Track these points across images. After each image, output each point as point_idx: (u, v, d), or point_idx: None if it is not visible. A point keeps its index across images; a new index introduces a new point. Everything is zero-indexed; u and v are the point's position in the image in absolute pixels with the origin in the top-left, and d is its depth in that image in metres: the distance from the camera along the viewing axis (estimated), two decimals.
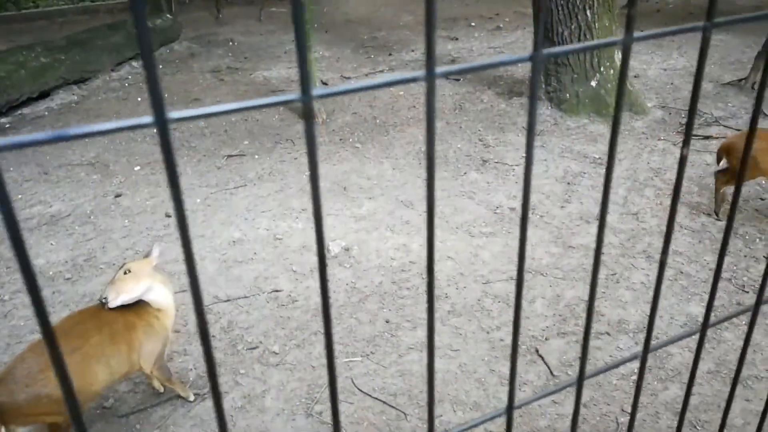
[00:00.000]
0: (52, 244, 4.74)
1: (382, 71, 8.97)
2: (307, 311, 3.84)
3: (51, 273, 4.38)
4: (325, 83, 8.25)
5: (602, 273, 4.08)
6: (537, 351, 3.47)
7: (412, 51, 9.66)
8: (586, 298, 3.86)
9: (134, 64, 9.54)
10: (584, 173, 5.31)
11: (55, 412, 2.65)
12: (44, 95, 8.01)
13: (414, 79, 0.63)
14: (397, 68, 9.04)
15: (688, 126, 0.83)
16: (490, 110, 6.85)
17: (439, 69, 0.66)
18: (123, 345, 2.87)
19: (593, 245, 4.34)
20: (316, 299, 3.92)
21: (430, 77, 0.61)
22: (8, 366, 2.68)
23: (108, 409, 3.27)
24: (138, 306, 2.94)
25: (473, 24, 11.14)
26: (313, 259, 4.32)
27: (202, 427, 3.13)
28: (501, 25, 10.98)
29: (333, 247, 4.38)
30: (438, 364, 3.43)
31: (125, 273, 2.87)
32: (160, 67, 9.52)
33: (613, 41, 0.72)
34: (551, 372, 3.33)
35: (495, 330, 3.62)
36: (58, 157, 6.26)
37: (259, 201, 5.17)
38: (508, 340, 3.54)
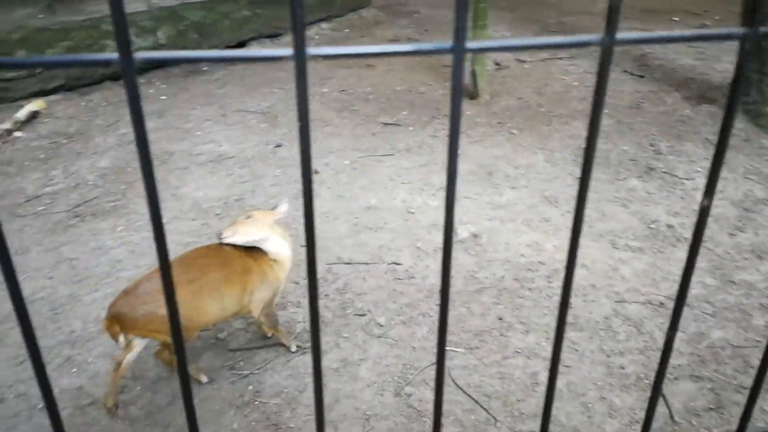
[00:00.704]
0: (213, 180, 5.13)
1: (560, 58, 8.50)
2: (422, 290, 3.78)
3: (205, 207, 4.74)
4: (498, 64, 8.00)
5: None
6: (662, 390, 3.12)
7: None
8: (737, 342, 3.39)
9: (323, 25, 9.94)
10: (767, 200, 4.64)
11: (166, 332, 2.87)
12: (240, 45, 8.63)
13: (441, 50, 0.57)
14: (579, 56, 8.50)
15: None
16: (671, 114, 6.21)
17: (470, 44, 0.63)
18: (237, 286, 3.02)
19: (762, 284, 3.79)
20: (433, 280, 3.85)
21: (458, 50, 0.54)
22: (136, 281, 2.94)
23: (221, 341, 3.48)
24: (257, 254, 3.08)
25: (675, 19, 10.13)
26: (439, 239, 4.24)
27: (296, 378, 3.23)
28: (708, 23, 9.87)
29: (461, 231, 4.26)
30: (543, 376, 3.22)
31: (246, 218, 3.01)
32: (346, 30, 9.83)
33: None
34: (672, 416, 2.98)
35: (617, 355, 3.30)
36: (238, 102, 6.71)
37: (402, 172, 5.16)
38: (630, 368, 3.22)
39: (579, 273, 3.92)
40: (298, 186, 5.02)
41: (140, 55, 0.55)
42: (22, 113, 5.79)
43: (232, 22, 8.26)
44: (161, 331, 2.87)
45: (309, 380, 3.22)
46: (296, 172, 5.23)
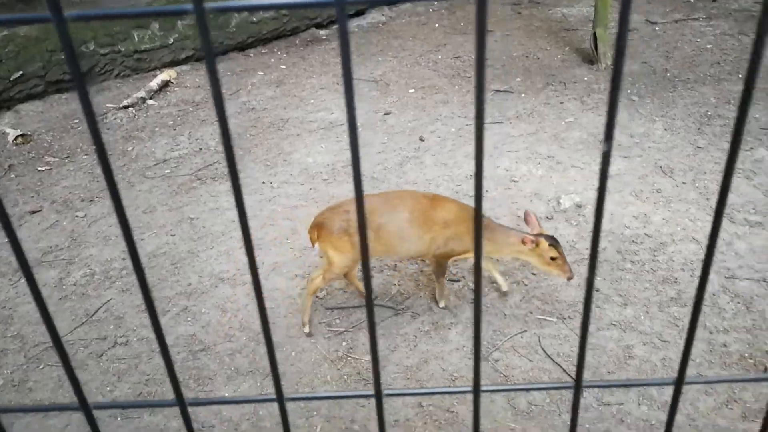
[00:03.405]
0: (322, 147, 5.34)
1: (697, 19, 7.85)
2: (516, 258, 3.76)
3: (313, 172, 4.96)
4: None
5: None
6: (766, 368, 2.92)
7: None
8: None
9: None
10: None
11: (346, 251, 3.20)
12: (359, 13, 8.77)
13: (323, 3, 0.56)
14: (718, 17, 7.81)
15: None
16: None
17: None
18: (429, 235, 3.24)
19: None
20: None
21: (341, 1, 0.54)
22: (342, 201, 3.39)
23: (320, 299, 3.68)
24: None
25: None
26: (542, 210, 4.16)
27: (388, 338, 3.35)
28: None
29: (564, 201, 4.15)
30: (638, 350, 3.11)
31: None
32: None
33: None
34: None
35: (721, 332, 3.12)
36: (353, 71, 6.87)
37: (509, 140, 5.09)
38: (734, 347, 3.04)
39: (689, 247, 3.71)
40: (404, 153, 5.11)
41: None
42: (154, 82, 6.32)
43: None
44: (343, 249, 3.20)
45: (400, 340, 3.34)
46: (402, 140, 5.32)
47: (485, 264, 3.53)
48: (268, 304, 3.58)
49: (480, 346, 0.75)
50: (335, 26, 8.41)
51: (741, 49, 6.44)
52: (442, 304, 3.49)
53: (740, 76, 5.85)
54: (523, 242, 3.10)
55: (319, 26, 8.20)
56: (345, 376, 3.16)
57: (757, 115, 5.07)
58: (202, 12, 0.54)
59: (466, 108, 5.76)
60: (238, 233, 4.23)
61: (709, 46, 6.69)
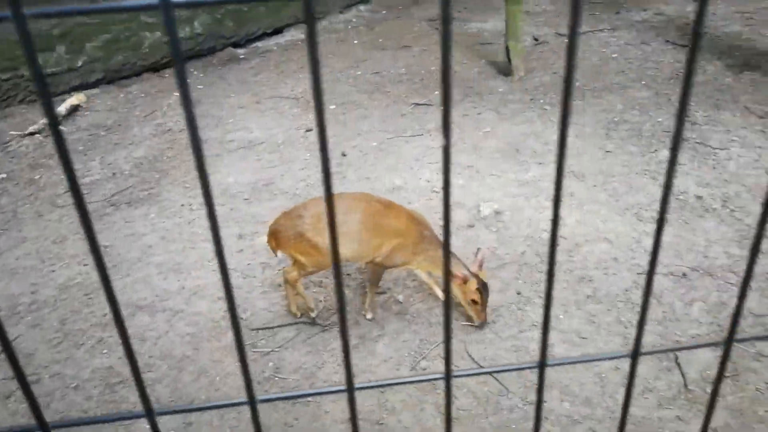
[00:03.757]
0: (242, 166, 5.26)
1: (602, 30, 8.26)
2: None
3: (234, 192, 4.87)
4: (536, 39, 7.85)
5: None
6: (677, 359, 3.06)
7: (644, 11, 8.72)
8: (759, 311, 3.28)
9: (361, 7, 9.95)
10: None
11: (307, 254, 3.23)
12: (277, 31, 8.74)
13: (149, 7, 0.55)
14: (621, 28, 8.24)
15: None
16: (710, 83, 5.98)
17: None
18: (376, 241, 3.26)
19: None
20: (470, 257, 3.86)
21: (167, 5, 0.53)
22: (296, 205, 3.40)
23: (243, 320, 3.60)
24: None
25: None
26: (463, 218, 4.24)
27: (315, 355, 3.31)
28: None
29: (484, 209, 4.24)
30: (559, 348, 3.21)
31: None
32: (383, 12, 9.80)
33: None
34: (686, 384, 2.92)
35: (634, 326, 3.25)
36: (272, 89, 6.81)
37: (429, 152, 5.17)
38: (647, 339, 3.18)
39: (601, 247, 3.86)
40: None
41: None
42: (63, 107, 6.07)
43: (268, 8, 8.37)
44: (305, 252, 3.21)
45: (327, 356, 3.30)
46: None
47: (424, 277, 3.57)
48: (189, 329, 3.49)
49: (450, 334, 0.74)
50: (254, 44, 8.35)
51: (643, 57, 6.80)
52: (369, 316, 3.48)
53: (643, 83, 6.18)
54: (454, 276, 3.17)
55: (236, 45, 8.11)
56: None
57: (660, 119, 5.37)
58: (168, 6, 0.52)
59: (386, 122, 5.82)
60: (155, 258, 4.09)
61: (614, 56, 7.04)
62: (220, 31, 7.83)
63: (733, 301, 3.19)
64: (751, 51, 6.62)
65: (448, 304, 0.77)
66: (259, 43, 8.40)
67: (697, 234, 3.87)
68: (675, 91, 5.94)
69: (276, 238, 3.31)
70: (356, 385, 0.79)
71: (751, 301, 3.34)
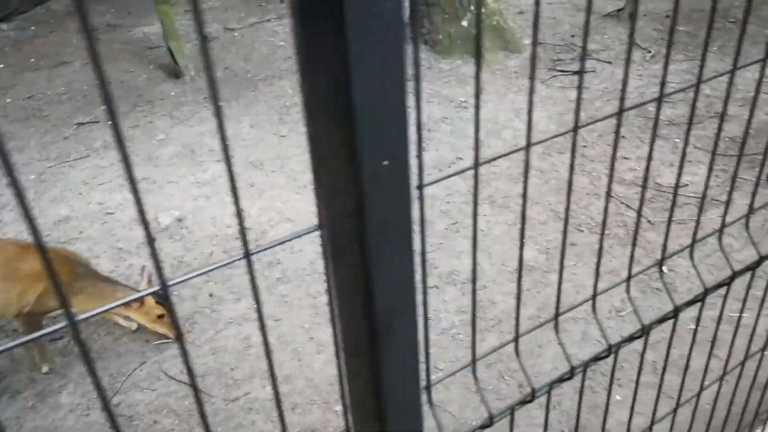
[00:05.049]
0: None
1: (269, 20, 8.47)
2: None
3: None
4: (205, 37, 7.72)
5: (443, 222, 3.89)
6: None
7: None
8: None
9: (3, 26, 8.76)
10: (446, 118, 5.08)
11: None
12: None
13: None
14: (287, 16, 8.54)
15: None
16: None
17: None
18: (17, 290, 2.83)
19: (441, 196, 4.14)
20: (137, 278, 3.62)
21: None
22: None
23: None
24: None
25: None
26: (141, 234, 4.00)
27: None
28: None
29: (163, 219, 4.05)
30: (256, 337, 3.21)
31: None
32: (32, 28, 8.77)
33: None
34: None
35: (321, 295, 3.41)
36: None
37: (99, 173, 4.77)
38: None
39: (285, 227, 3.96)
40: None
41: None
42: None
43: None
44: None
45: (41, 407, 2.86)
46: None
47: (122, 321, 3.26)
48: None
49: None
50: None
51: None
52: (45, 369, 3.08)
53: None
54: (129, 307, 2.93)
55: None
56: None
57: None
58: None
59: (47, 149, 5.23)
60: None
61: (282, 44, 7.27)
62: None
63: None
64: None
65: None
66: None
67: None
68: None
69: None
70: None
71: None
